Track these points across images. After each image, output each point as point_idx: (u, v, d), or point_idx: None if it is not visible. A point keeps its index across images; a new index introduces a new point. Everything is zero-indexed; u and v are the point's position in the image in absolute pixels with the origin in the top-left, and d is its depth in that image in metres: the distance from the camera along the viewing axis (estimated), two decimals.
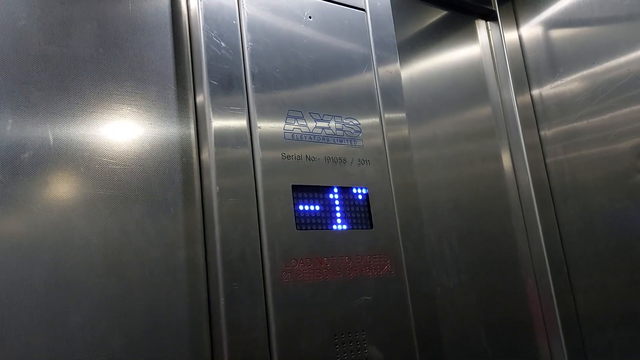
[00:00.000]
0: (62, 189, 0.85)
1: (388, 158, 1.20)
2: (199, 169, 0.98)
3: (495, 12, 1.65)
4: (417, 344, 1.11)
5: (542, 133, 1.55)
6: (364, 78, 1.22)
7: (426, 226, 1.25)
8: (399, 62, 1.30)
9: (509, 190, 1.50)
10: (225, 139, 0.99)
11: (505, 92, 1.58)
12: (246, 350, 0.91)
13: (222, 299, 0.91)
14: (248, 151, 1.01)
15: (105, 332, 0.83)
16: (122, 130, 0.93)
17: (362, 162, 1.16)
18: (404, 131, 1.24)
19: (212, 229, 0.95)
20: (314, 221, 1.06)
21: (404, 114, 1.25)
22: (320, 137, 1.11)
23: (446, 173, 1.41)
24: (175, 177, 0.96)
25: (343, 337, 1.02)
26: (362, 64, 1.23)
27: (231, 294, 0.92)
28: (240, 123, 1.01)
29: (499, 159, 1.52)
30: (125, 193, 0.90)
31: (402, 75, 1.31)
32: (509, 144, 1.54)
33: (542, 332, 1.41)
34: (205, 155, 0.98)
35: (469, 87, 1.55)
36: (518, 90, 1.58)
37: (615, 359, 1.37)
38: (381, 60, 1.26)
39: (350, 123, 1.17)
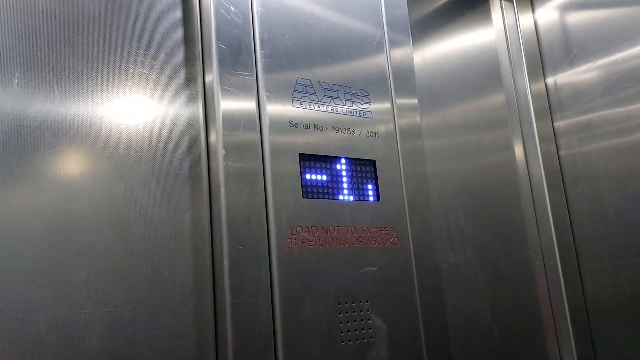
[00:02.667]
0: (67, 144, 0.85)
1: (397, 130, 1.19)
2: (205, 129, 0.98)
3: None
4: (421, 315, 1.10)
5: (556, 124, 1.52)
6: (375, 53, 1.21)
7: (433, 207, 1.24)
8: (411, 43, 1.28)
9: (520, 177, 1.48)
10: (232, 112, 0.98)
11: (519, 80, 1.55)
12: (249, 313, 0.91)
13: (225, 262, 0.91)
14: (255, 117, 1.00)
15: (108, 288, 0.83)
16: (129, 90, 0.93)
17: (371, 134, 1.15)
18: (414, 108, 1.23)
19: (217, 192, 0.94)
20: (320, 190, 1.05)
21: (415, 96, 1.24)
22: (329, 106, 1.10)
23: (456, 161, 1.39)
24: (182, 139, 0.95)
25: (347, 306, 1.02)
26: (373, 37, 1.21)
27: (235, 257, 0.92)
28: (248, 88, 1.00)
29: (510, 149, 1.49)
30: (130, 152, 0.90)
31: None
32: (522, 134, 1.51)
33: (548, 314, 1.40)
34: (211, 114, 0.98)
35: (482, 72, 1.53)
36: (532, 77, 1.55)
37: (621, 342, 1.35)
38: (394, 40, 1.24)
39: (360, 94, 1.16)
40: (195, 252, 0.93)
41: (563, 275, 1.39)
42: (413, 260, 1.13)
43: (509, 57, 1.57)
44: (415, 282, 1.12)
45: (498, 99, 1.53)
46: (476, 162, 1.44)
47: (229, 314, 0.89)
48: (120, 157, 0.89)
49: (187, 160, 0.95)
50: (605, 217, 1.38)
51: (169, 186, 0.92)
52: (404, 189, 1.16)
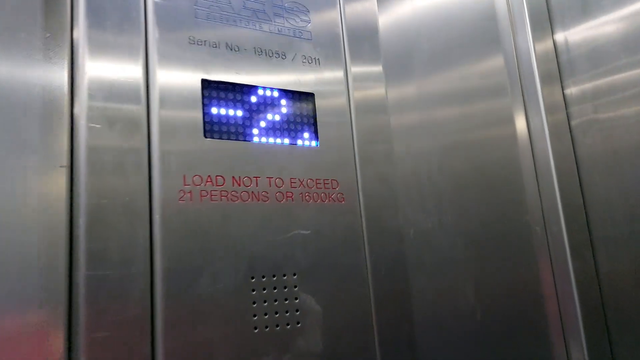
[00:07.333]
0: None
1: (347, 59, 0.92)
2: (70, 22, 0.72)
3: None
4: (373, 294, 0.85)
5: (568, 91, 1.22)
6: None
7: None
8: None
9: (517, 131, 1.19)
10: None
11: (520, 38, 1.24)
12: (115, 289, 0.66)
13: (81, 219, 0.66)
14: (137, 25, 0.75)
15: None
16: None
17: (310, 60, 0.88)
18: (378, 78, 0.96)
19: (78, 128, 0.70)
20: (232, 130, 0.79)
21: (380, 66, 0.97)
22: (250, 20, 0.84)
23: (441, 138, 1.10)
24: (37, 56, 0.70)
25: (264, 280, 0.77)
26: None
27: (97, 214, 0.67)
28: None
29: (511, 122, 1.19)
30: None
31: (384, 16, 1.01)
32: (524, 104, 1.21)
33: (551, 293, 1.12)
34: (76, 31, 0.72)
35: (474, 30, 1.21)
36: (537, 35, 1.22)
37: (636, 318, 1.08)
38: None
39: (296, 9, 0.89)
40: (46, 208, 0.68)
41: (570, 245, 1.12)
42: (363, 223, 0.87)
43: (509, 9, 1.25)
44: (366, 251, 0.86)
45: (493, 63, 1.22)
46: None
47: (83, 291, 0.65)
48: None
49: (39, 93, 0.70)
50: (623, 171, 1.09)
51: (13, 123, 0.68)
52: (353, 131, 0.90)
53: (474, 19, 1.21)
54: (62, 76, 0.72)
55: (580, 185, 1.17)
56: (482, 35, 1.21)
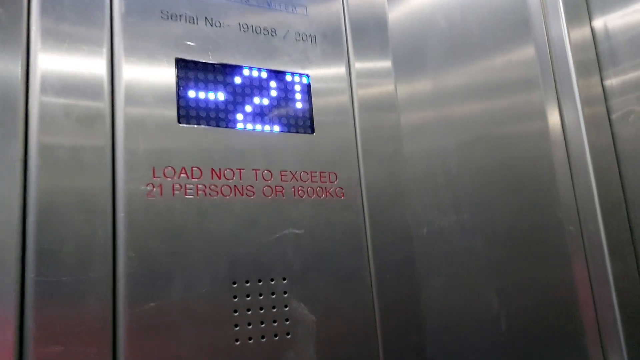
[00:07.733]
0: None
1: (348, 36, 0.82)
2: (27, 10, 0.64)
3: None
4: (377, 301, 0.74)
5: (608, 82, 1.08)
6: None
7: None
8: None
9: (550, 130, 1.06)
10: None
11: (553, 25, 1.10)
12: (71, 297, 0.58)
13: (32, 217, 0.58)
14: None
15: None
16: None
17: (304, 37, 0.79)
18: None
19: (32, 117, 0.61)
20: (212, 115, 0.70)
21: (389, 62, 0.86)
22: None
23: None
24: None
25: (249, 286, 0.67)
26: None
27: (50, 210, 0.59)
28: None
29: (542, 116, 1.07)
30: None
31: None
32: (558, 95, 1.08)
33: (587, 301, 1.00)
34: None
35: (500, 17, 1.08)
36: (573, 21, 1.09)
37: None
38: None
39: None
40: None
41: (608, 245, 0.99)
42: (366, 221, 0.77)
43: None
44: (369, 252, 0.76)
45: (523, 54, 1.09)
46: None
47: (32, 299, 0.57)
48: None
49: None
50: None
51: None
52: (355, 118, 0.79)
53: (499, 4, 1.09)
54: (16, 60, 0.64)
55: (621, 181, 1.04)
56: (509, 22, 1.09)
